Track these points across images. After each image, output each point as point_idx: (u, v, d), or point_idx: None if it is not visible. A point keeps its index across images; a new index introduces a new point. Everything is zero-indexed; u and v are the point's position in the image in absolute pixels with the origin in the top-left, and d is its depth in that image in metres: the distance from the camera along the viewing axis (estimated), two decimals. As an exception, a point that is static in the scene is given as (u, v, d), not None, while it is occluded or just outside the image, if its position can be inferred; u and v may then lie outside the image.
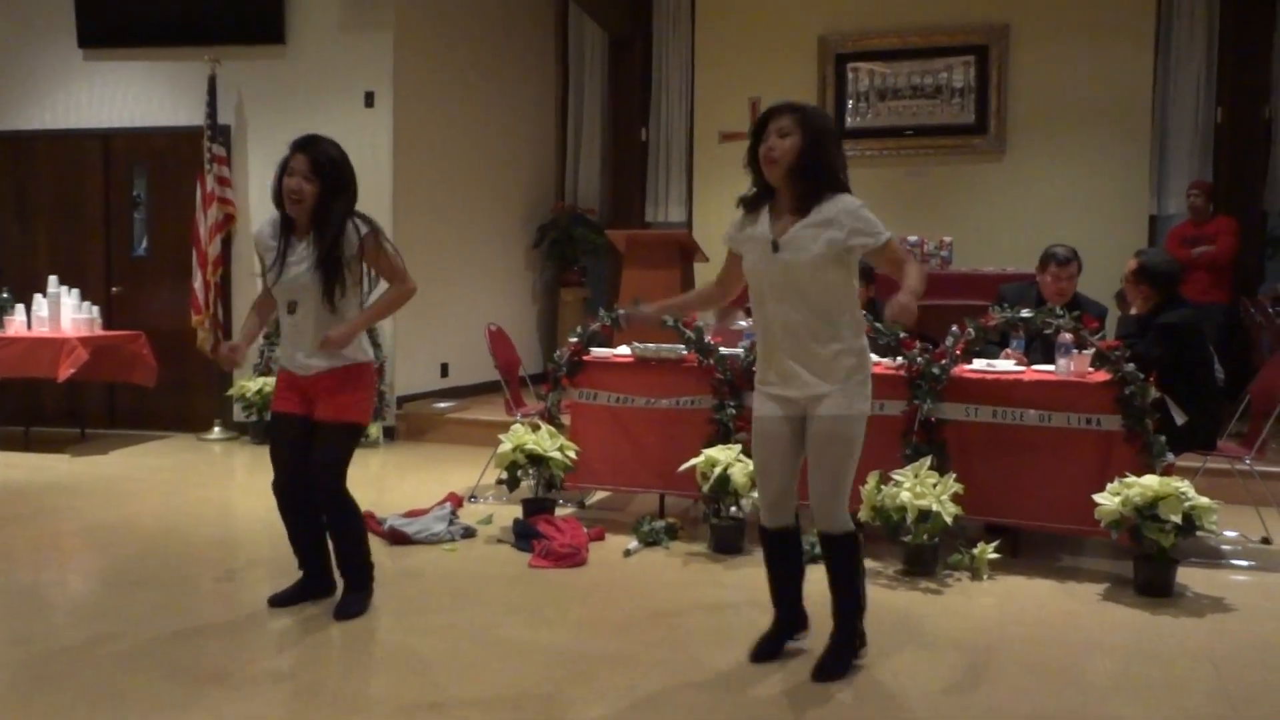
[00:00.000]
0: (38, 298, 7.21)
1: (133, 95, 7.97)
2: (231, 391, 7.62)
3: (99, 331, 7.26)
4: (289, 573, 4.19)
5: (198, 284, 7.51)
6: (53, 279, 7.29)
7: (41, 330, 7.11)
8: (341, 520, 3.83)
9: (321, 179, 3.63)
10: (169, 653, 3.48)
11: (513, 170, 9.31)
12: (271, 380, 7.47)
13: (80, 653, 3.49)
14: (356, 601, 3.85)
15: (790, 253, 3.11)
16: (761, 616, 3.91)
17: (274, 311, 3.88)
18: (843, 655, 3.31)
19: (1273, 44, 8.27)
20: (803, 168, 3.09)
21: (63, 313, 7.16)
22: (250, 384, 7.50)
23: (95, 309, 7.33)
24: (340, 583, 3.94)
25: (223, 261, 7.63)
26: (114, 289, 8.00)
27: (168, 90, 7.90)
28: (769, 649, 3.44)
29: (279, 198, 3.69)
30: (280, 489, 3.82)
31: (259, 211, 7.77)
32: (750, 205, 3.27)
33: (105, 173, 8.05)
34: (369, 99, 7.60)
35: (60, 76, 8.03)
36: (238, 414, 7.69)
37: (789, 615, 3.48)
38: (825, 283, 3.12)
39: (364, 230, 3.71)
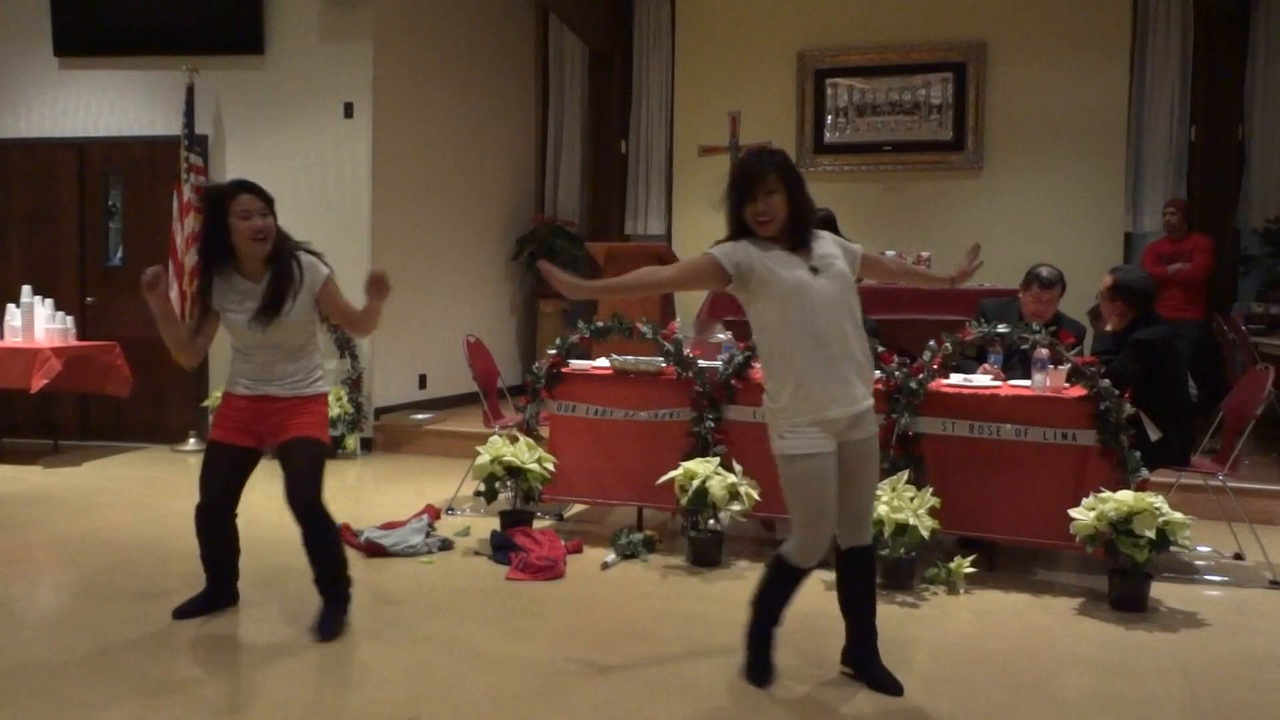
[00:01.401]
0: (11, 307, 7.14)
1: (109, 104, 7.92)
2: (206, 403, 7.56)
3: (73, 342, 7.19)
4: (261, 585, 4.17)
5: (173, 294, 7.45)
6: (26, 288, 7.22)
7: (14, 340, 7.04)
8: (323, 535, 3.79)
9: (274, 214, 3.71)
10: (140, 667, 3.45)
11: (492, 182, 9.30)
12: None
13: (50, 666, 3.45)
14: (337, 618, 3.80)
15: (829, 274, 3.18)
16: (739, 629, 3.91)
17: (204, 342, 3.87)
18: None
19: (1246, 64, 8.38)
20: (793, 219, 3.19)
21: (36, 322, 7.10)
22: (226, 395, 7.44)
23: (69, 319, 7.26)
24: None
25: (199, 272, 7.56)
26: (88, 299, 7.93)
27: (144, 99, 7.86)
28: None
29: (221, 243, 3.69)
30: (208, 513, 3.81)
31: (236, 221, 7.72)
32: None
33: (80, 182, 7.98)
34: (348, 109, 7.59)
35: (35, 84, 7.97)
36: (213, 425, 7.63)
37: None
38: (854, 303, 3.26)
39: (325, 269, 3.77)
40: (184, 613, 3.91)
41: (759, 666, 3.35)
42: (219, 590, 3.98)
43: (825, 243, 3.28)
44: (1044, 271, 5.16)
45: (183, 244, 7.44)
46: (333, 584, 3.84)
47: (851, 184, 9.14)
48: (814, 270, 3.17)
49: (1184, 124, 8.52)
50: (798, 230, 3.20)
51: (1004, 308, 5.27)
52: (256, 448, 3.84)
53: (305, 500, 3.72)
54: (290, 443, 3.75)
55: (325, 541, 3.80)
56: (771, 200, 3.15)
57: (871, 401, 3.27)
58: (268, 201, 3.71)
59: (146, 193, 7.86)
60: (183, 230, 7.44)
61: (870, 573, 3.39)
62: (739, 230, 3.25)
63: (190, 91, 7.46)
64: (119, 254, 8.04)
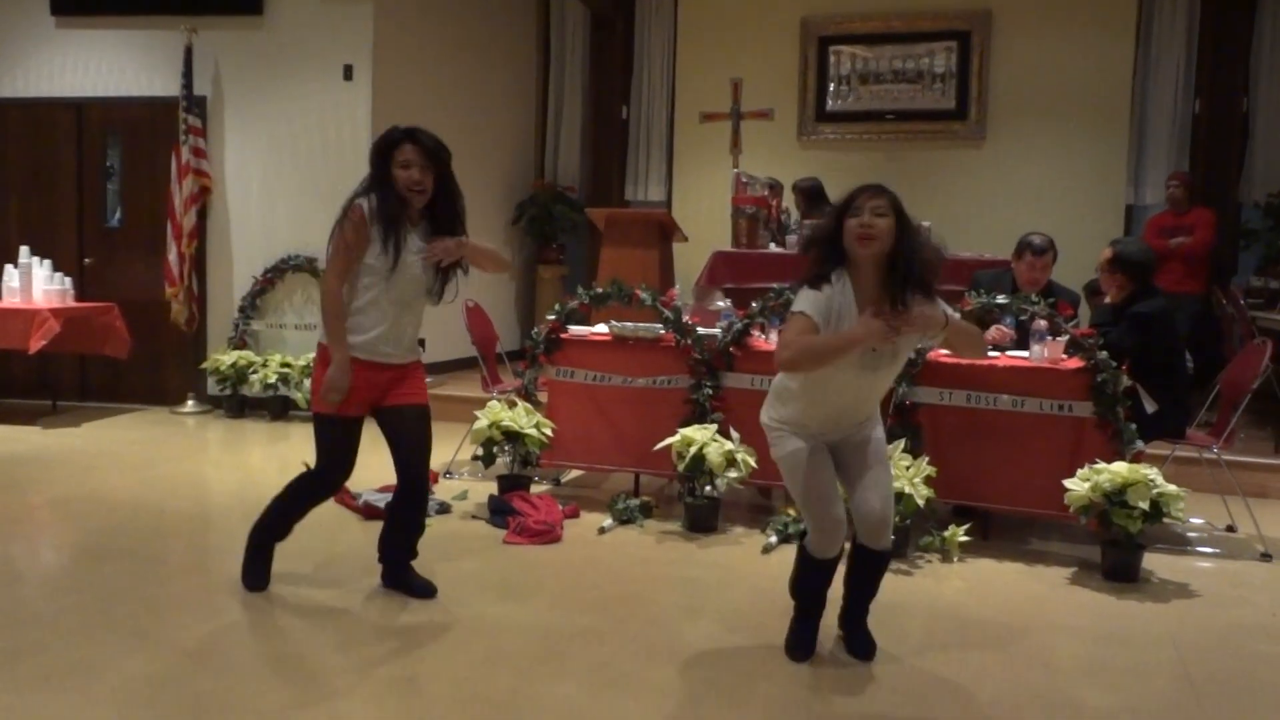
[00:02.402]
0: (8, 268, 7.13)
1: (107, 64, 7.85)
2: (205, 365, 7.58)
3: (71, 303, 7.19)
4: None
5: (172, 256, 7.44)
6: (24, 249, 7.20)
7: (12, 301, 7.02)
8: (422, 505, 3.83)
9: (437, 168, 3.59)
10: (140, 625, 3.47)
11: (492, 147, 9.25)
12: (246, 354, 7.46)
13: (51, 624, 3.47)
14: (420, 576, 3.88)
15: (887, 357, 3.07)
16: (734, 594, 3.95)
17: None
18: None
19: (1252, 37, 8.32)
20: (896, 255, 2.98)
21: (34, 283, 7.08)
22: (223, 357, 7.45)
23: (67, 280, 7.25)
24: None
25: (198, 234, 7.56)
26: (86, 260, 7.91)
27: (143, 59, 7.79)
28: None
29: (387, 188, 3.55)
30: (335, 488, 3.81)
31: (235, 184, 7.71)
32: (822, 279, 3.07)
33: (78, 142, 7.93)
34: (348, 72, 7.54)
35: (33, 44, 7.91)
36: (211, 388, 7.65)
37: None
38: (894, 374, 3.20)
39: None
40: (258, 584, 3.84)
41: (792, 640, 3.35)
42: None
43: (922, 314, 2.96)
44: (1036, 239, 5.15)
45: (181, 206, 7.42)
46: (412, 547, 3.85)
47: (853, 152, 9.09)
48: (873, 353, 3.01)
49: (1188, 96, 8.48)
50: (897, 273, 2.96)
51: (997, 278, 5.26)
52: (380, 405, 3.73)
53: (419, 474, 3.74)
54: (403, 409, 3.69)
55: (421, 512, 3.82)
56: (879, 223, 2.96)
57: (871, 419, 3.26)
58: (432, 154, 3.57)
59: (145, 154, 7.82)
60: (181, 192, 7.42)
61: (877, 573, 3.35)
62: (828, 254, 3.05)
63: (189, 52, 7.41)
64: (117, 215, 8.01)
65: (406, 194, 3.56)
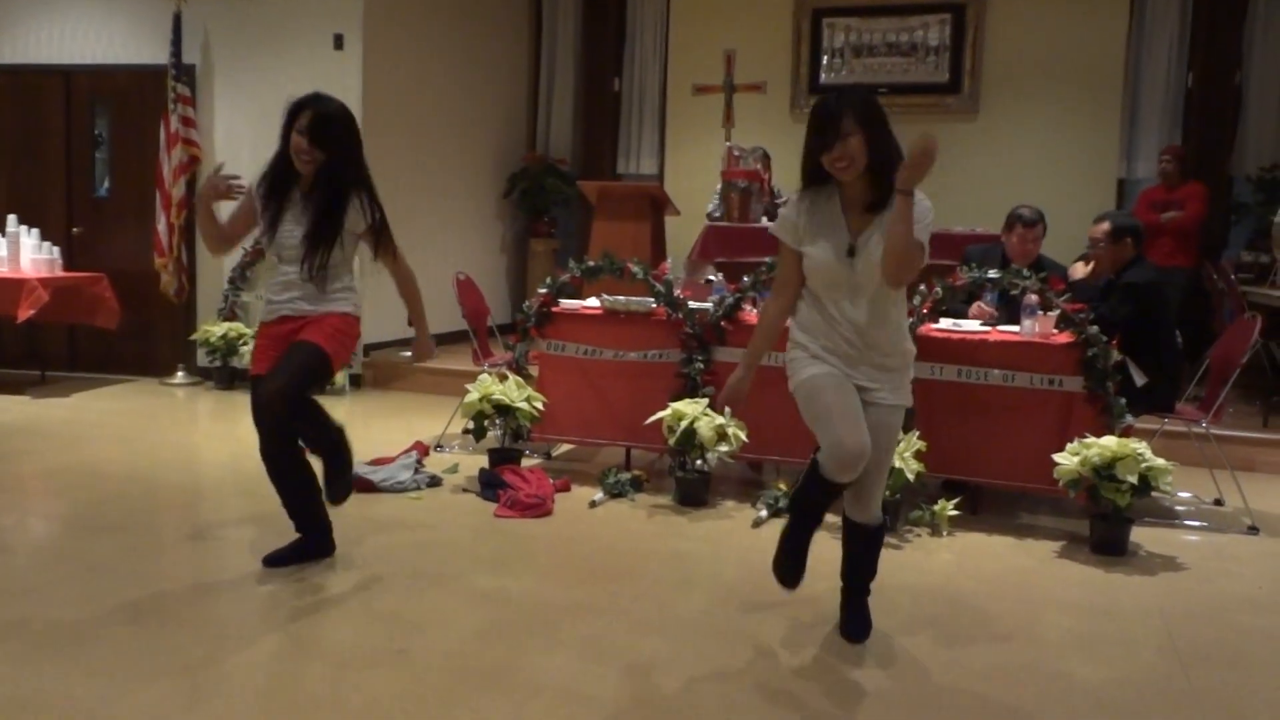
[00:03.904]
0: (-4, 236, 7.09)
1: (95, 31, 7.78)
2: (195, 336, 7.56)
3: (59, 273, 7.15)
4: (255, 519, 4.19)
5: (161, 226, 7.40)
6: (12, 218, 7.15)
7: (0, 270, 6.99)
8: (296, 418, 3.64)
9: (328, 143, 3.56)
10: (131, 596, 3.47)
11: (484, 118, 9.20)
12: (237, 325, 7.44)
13: (42, 596, 3.47)
14: (340, 480, 3.75)
15: (866, 258, 2.98)
16: (724, 568, 3.97)
17: (232, 233, 3.78)
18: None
19: (1245, 11, 8.30)
20: (872, 165, 2.96)
21: (22, 253, 7.04)
22: (214, 329, 7.43)
23: (55, 250, 7.21)
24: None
25: (187, 204, 7.51)
26: (74, 230, 7.86)
27: (131, 27, 7.72)
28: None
29: (283, 149, 3.59)
30: (267, 456, 3.67)
31: (225, 153, 7.64)
32: (807, 188, 3.07)
33: (66, 110, 7.87)
34: (338, 41, 7.47)
35: (20, 10, 7.82)
36: (201, 359, 7.63)
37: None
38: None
39: (374, 215, 3.67)
40: (273, 560, 3.77)
41: (782, 564, 3.24)
42: (310, 539, 3.84)
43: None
44: (1025, 211, 5.16)
45: (170, 175, 7.37)
46: (328, 448, 3.73)
47: (846, 126, 9.05)
48: (851, 252, 2.97)
49: (1181, 70, 8.47)
50: (881, 176, 2.95)
51: (987, 252, 5.26)
52: None
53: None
54: (290, 347, 3.62)
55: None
56: (849, 144, 2.93)
57: (886, 388, 3.12)
58: (315, 127, 3.55)
59: (134, 123, 7.76)
60: (170, 161, 7.37)
61: (866, 550, 3.27)
62: (814, 176, 3.03)
63: (178, 20, 7.34)
64: (106, 184, 7.95)
65: (295, 158, 3.57)
